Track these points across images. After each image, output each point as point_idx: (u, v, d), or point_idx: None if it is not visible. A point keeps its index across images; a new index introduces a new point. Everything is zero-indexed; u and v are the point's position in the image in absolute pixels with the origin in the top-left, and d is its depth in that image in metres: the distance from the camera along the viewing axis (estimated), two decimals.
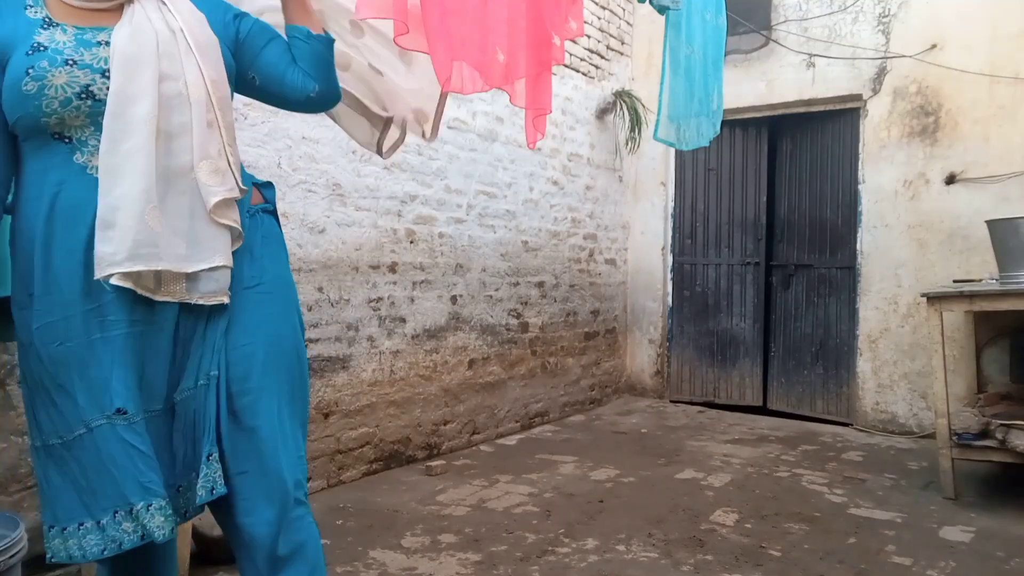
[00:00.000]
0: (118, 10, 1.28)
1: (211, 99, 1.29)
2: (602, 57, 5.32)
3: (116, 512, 1.21)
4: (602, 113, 5.32)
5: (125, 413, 1.21)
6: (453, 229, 3.99)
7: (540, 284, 4.72)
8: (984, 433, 3.29)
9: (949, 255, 4.47)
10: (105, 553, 1.22)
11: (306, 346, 1.52)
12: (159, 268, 1.21)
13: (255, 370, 1.33)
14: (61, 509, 1.24)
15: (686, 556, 2.60)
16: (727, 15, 3.61)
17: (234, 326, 1.34)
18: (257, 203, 1.46)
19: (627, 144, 5.45)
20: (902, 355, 4.65)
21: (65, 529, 1.24)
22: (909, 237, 4.63)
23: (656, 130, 3.38)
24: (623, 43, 5.60)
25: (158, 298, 1.24)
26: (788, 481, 3.56)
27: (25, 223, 1.25)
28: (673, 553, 2.62)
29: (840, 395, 4.97)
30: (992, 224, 3.59)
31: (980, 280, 3.90)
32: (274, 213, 1.52)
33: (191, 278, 1.27)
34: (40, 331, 1.23)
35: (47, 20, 1.26)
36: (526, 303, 4.60)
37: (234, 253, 1.35)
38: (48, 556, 1.24)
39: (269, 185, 1.53)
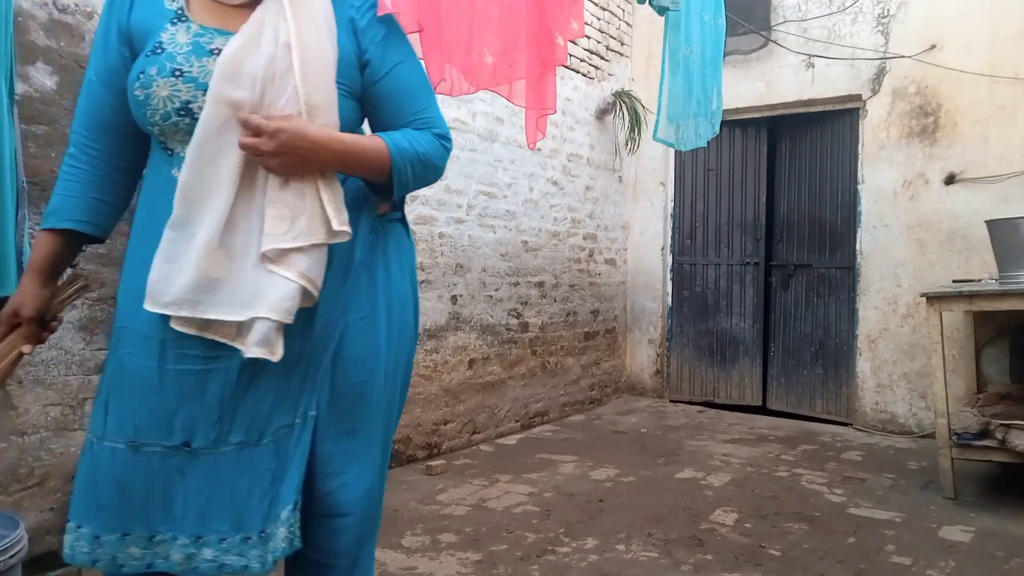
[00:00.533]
0: (252, 7, 1.14)
1: None
2: (602, 58, 5.32)
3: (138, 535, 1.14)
4: (602, 113, 5.32)
5: (189, 446, 1.12)
6: (453, 229, 3.99)
7: (540, 284, 4.72)
8: (984, 433, 3.29)
9: (948, 255, 4.48)
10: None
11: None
12: (206, 316, 1.09)
13: (366, 411, 1.22)
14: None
15: (686, 556, 2.60)
16: (726, 16, 3.62)
17: (345, 360, 1.20)
18: (384, 211, 1.29)
19: (627, 144, 5.45)
20: (902, 355, 4.65)
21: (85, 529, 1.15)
22: (908, 237, 4.63)
23: (655, 130, 3.39)
24: (623, 44, 5.60)
25: (232, 344, 1.12)
26: (788, 481, 3.56)
27: (136, 222, 1.20)
28: (673, 553, 2.63)
29: (840, 395, 4.97)
30: (991, 224, 3.59)
31: (979, 280, 3.90)
32: (402, 220, 1.35)
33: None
34: (122, 331, 1.17)
35: (179, 13, 1.16)
36: (526, 303, 4.60)
37: (352, 276, 1.22)
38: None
39: None
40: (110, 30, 1.20)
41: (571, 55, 4.93)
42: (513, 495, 3.26)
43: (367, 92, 1.23)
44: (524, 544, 2.68)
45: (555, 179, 4.85)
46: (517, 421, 4.55)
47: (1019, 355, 4.17)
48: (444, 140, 1.28)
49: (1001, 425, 3.24)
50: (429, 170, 1.27)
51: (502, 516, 2.98)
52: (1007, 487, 3.49)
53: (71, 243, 1.25)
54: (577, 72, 5.04)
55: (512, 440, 4.34)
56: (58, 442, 2.23)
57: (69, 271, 1.32)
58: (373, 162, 1.18)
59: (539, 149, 4.64)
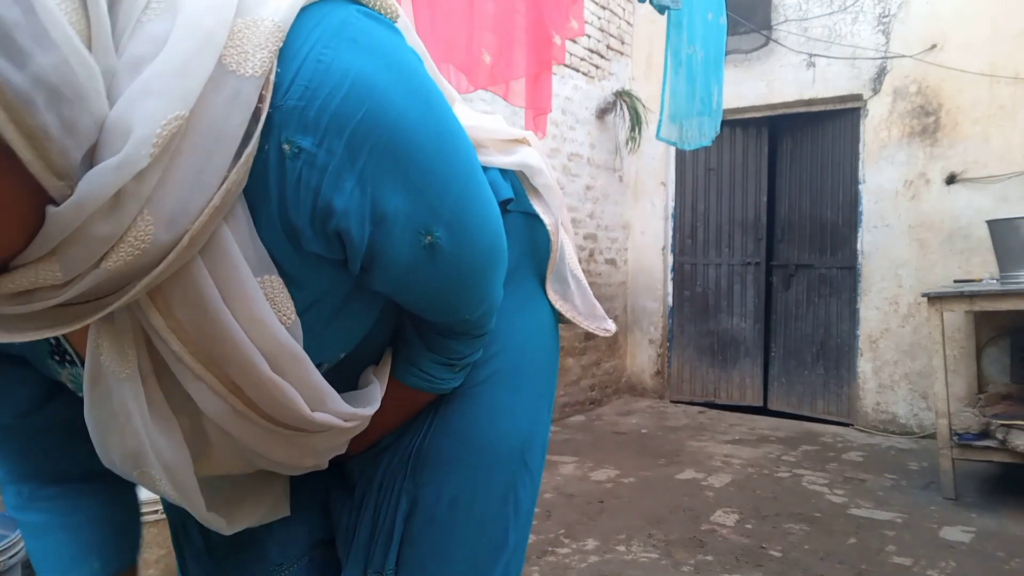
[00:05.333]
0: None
1: None
2: (602, 57, 5.31)
3: None
4: (602, 113, 5.32)
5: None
6: None
7: None
8: (984, 433, 3.29)
9: (949, 255, 4.47)
10: None
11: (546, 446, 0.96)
12: None
13: (427, 541, 0.80)
14: None
15: (686, 556, 2.60)
16: (727, 15, 3.62)
17: (424, 462, 0.81)
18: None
19: (627, 144, 5.45)
20: (903, 355, 4.65)
21: None
22: (909, 237, 4.63)
23: (659, 130, 3.39)
24: (623, 43, 5.59)
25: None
26: (788, 481, 3.56)
27: None
28: (673, 553, 2.62)
29: (840, 395, 4.96)
30: (992, 224, 3.59)
31: (980, 280, 3.90)
32: (529, 215, 0.89)
33: None
34: None
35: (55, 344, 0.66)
36: None
37: None
38: None
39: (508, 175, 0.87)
40: None
41: (572, 54, 4.92)
42: None
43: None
44: None
45: (555, 178, 4.84)
46: None
47: (1019, 355, 4.16)
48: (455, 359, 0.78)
49: (1002, 425, 3.24)
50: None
51: None
52: (1008, 487, 3.48)
53: None
54: (577, 71, 5.04)
55: None
56: None
57: None
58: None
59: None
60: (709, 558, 2.59)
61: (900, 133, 4.66)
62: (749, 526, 2.92)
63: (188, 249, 0.49)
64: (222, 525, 0.71)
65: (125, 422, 0.58)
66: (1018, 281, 3.34)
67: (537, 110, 2.12)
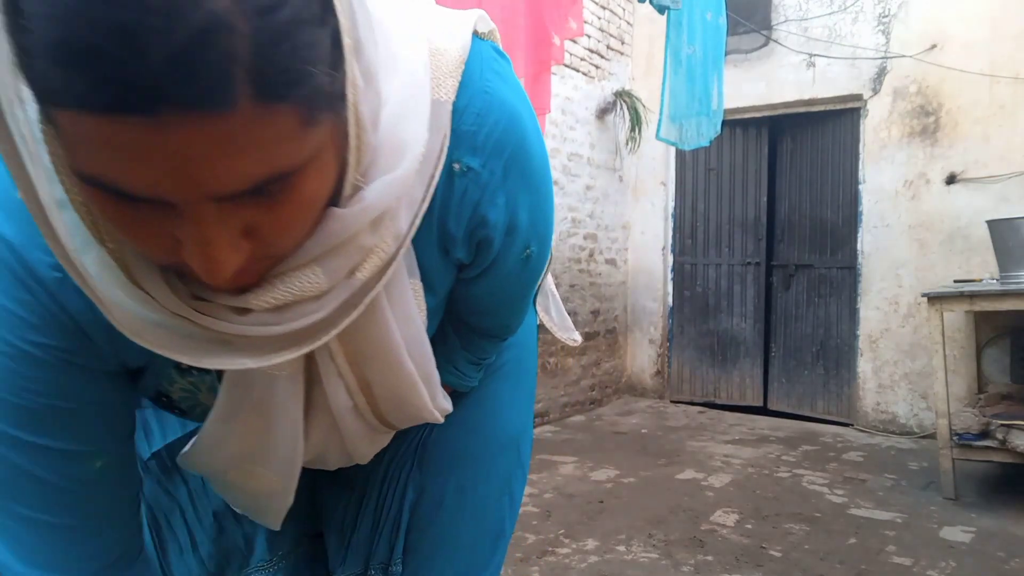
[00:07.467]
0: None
1: None
2: (602, 57, 5.31)
3: None
4: (602, 113, 5.32)
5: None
6: None
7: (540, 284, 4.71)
8: (984, 433, 3.29)
9: (949, 255, 4.47)
10: None
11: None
12: None
13: (435, 527, 0.83)
14: None
15: (686, 557, 2.60)
16: (727, 15, 3.62)
17: (432, 453, 0.83)
18: None
19: (627, 144, 5.45)
20: (903, 355, 4.64)
21: None
22: (910, 237, 4.63)
23: (658, 130, 3.39)
24: (623, 43, 5.59)
25: None
26: (789, 481, 3.56)
27: None
28: (673, 554, 2.62)
29: (841, 395, 4.96)
30: (992, 224, 3.59)
31: (980, 280, 3.89)
32: None
33: None
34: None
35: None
36: None
37: None
38: None
39: None
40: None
41: (572, 54, 4.92)
42: None
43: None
44: (524, 545, 2.67)
45: (555, 179, 4.85)
46: None
47: (1020, 355, 4.16)
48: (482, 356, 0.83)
49: (1002, 425, 3.24)
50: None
51: None
52: (1007, 487, 3.48)
53: None
54: (577, 71, 5.04)
55: None
56: None
57: None
58: None
59: None
60: (709, 558, 2.59)
61: (900, 133, 4.66)
62: (749, 526, 2.92)
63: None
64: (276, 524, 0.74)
65: (255, 419, 0.59)
66: (1018, 281, 3.34)
67: (536, 110, 2.12)
